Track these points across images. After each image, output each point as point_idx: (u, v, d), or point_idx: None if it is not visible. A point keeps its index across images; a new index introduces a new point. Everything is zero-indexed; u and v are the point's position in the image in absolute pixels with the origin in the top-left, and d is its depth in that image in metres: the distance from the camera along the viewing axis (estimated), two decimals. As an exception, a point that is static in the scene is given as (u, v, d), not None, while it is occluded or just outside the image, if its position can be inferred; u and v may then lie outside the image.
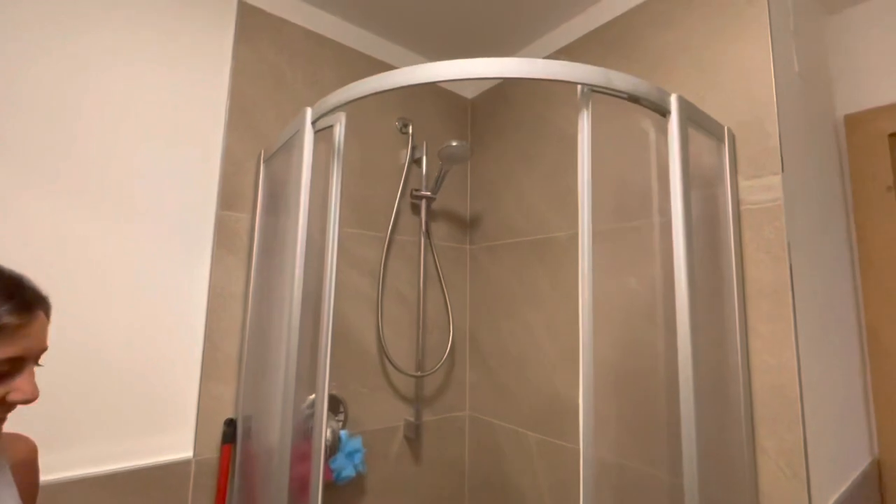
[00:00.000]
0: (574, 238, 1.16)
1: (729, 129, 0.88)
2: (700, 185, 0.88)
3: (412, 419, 1.30)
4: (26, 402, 0.50)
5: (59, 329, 0.83)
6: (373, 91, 0.73)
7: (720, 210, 0.87)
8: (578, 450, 0.78)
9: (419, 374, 1.31)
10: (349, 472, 1.07)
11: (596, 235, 0.78)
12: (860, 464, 0.99)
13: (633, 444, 0.91)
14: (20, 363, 0.49)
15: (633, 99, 0.72)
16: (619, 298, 0.95)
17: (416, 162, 1.41)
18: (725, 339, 0.81)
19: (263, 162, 1.08)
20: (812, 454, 0.73)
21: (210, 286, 1.01)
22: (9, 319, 0.47)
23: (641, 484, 0.90)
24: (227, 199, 1.05)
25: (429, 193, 1.37)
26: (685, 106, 0.74)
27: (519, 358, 1.30)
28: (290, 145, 0.92)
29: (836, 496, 0.80)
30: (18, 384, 0.49)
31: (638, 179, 0.99)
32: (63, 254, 0.86)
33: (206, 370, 0.98)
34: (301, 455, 0.85)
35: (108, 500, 0.85)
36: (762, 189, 0.83)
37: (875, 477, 1.03)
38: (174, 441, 0.93)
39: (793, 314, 0.78)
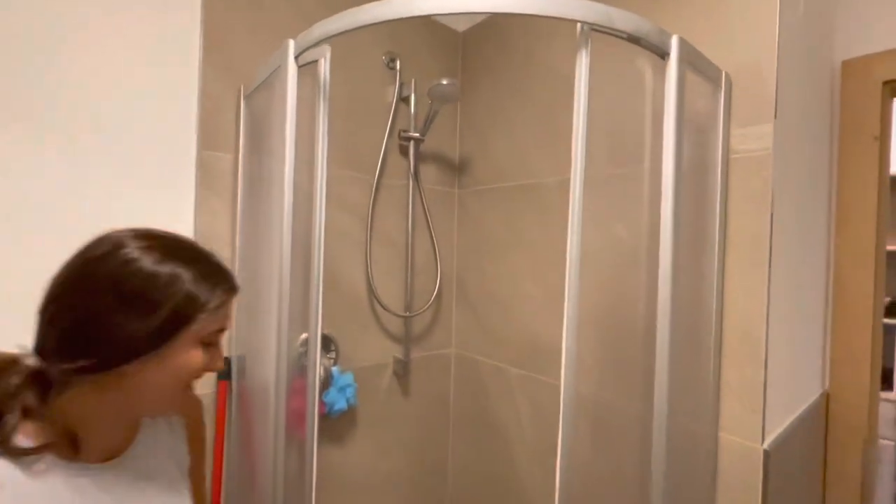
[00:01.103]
0: (563, 184, 1.16)
1: (727, 74, 0.86)
2: (693, 131, 0.87)
3: (401, 356, 1.36)
4: (217, 369, 0.57)
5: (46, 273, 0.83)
6: (362, 24, 0.68)
7: (710, 158, 0.88)
8: (557, 385, 0.83)
9: (407, 314, 1.35)
10: (341, 405, 1.14)
11: (587, 182, 0.78)
12: (811, 395, 1.08)
13: (610, 379, 0.98)
14: (220, 335, 0.56)
15: (633, 40, 0.70)
16: (605, 244, 0.97)
17: (403, 101, 1.36)
18: (704, 284, 0.85)
19: (244, 98, 1.03)
20: (770, 388, 0.80)
21: (196, 229, 0.99)
22: (223, 297, 0.54)
23: (615, 415, 0.98)
24: (208, 138, 1.01)
25: (417, 135, 1.33)
26: (685, 49, 0.72)
27: (504, 300, 1.34)
28: (272, 81, 0.87)
29: (785, 424, 0.88)
30: (217, 354, 0.56)
31: (631, 124, 0.98)
32: (45, 199, 0.83)
33: (198, 311, 0.99)
34: (295, 390, 0.89)
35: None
36: (753, 137, 0.84)
37: (823, 407, 1.14)
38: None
39: (768, 263, 0.82)
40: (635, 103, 0.96)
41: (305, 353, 0.85)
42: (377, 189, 1.30)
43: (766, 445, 0.78)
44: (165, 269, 0.49)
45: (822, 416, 1.14)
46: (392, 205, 1.35)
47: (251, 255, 0.99)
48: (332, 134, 0.87)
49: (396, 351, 1.37)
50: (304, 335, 0.93)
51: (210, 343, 0.54)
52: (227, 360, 1.02)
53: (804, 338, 1.06)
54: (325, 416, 1.14)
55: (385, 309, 1.30)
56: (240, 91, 1.04)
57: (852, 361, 1.15)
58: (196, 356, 0.52)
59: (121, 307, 0.47)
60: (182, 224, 0.98)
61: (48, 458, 0.49)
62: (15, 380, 0.48)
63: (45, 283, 0.50)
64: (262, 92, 0.95)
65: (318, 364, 0.84)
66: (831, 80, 1.13)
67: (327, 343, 1.19)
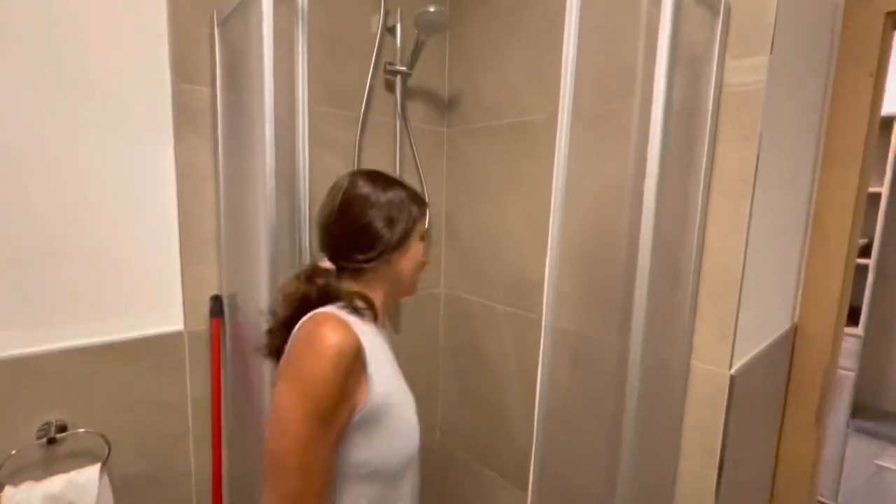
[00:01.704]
0: (554, 121, 1.13)
1: (726, 1, 0.82)
2: (687, 62, 0.85)
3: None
4: (427, 260, 0.80)
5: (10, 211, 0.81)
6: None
7: (702, 91, 0.86)
8: (541, 320, 0.86)
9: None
10: (334, 340, 1.17)
11: (576, 117, 0.77)
12: (781, 328, 1.14)
13: (591, 313, 1.02)
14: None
15: (630, -39, 0.66)
16: (592, 180, 0.97)
17: (389, 31, 1.29)
18: (687, 218, 0.86)
19: (218, 26, 0.97)
20: (741, 320, 0.84)
21: (177, 168, 0.97)
22: (425, 208, 0.79)
23: (593, 347, 1.03)
24: (183, 70, 0.96)
25: (404, 69, 1.27)
26: (684, -28, 0.68)
27: (494, 240, 1.36)
28: (247, 7, 0.82)
29: (753, 353, 0.94)
30: (427, 247, 0.79)
31: (623, 56, 0.94)
32: (9, 141, 0.79)
33: (185, 251, 0.99)
34: (288, 327, 0.92)
35: (111, 367, 0.92)
36: (747, 70, 0.81)
37: (790, 339, 1.21)
38: (163, 316, 0.99)
39: (751, 199, 0.83)
40: (629, 34, 0.92)
41: (296, 292, 0.87)
42: (363, 127, 1.27)
43: (732, 371, 0.83)
44: (393, 195, 0.74)
45: (788, 347, 1.21)
46: (379, 144, 1.32)
47: (236, 194, 0.98)
48: (313, 67, 0.83)
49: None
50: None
51: (423, 239, 0.79)
52: (218, 298, 1.04)
53: (779, 273, 1.10)
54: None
55: (374, 249, 1.31)
56: (213, 18, 0.98)
57: (822, 298, 1.21)
58: (420, 247, 0.78)
59: (377, 221, 0.71)
60: (163, 162, 0.96)
61: (372, 328, 0.71)
62: (331, 276, 0.72)
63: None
64: (237, 19, 0.89)
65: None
66: (833, 12, 1.09)
67: (317, 282, 1.21)
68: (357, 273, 0.73)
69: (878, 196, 2.01)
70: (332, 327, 0.61)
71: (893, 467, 1.96)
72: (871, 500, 2.02)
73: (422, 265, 0.79)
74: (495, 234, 1.35)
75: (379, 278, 0.74)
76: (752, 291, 0.88)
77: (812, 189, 1.19)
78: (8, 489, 0.81)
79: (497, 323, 1.36)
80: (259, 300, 0.85)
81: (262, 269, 0.83)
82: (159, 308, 0.98)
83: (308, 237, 0.82)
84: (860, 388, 2.13)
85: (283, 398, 0.59)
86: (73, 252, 0.88)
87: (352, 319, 0.65)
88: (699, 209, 0.86)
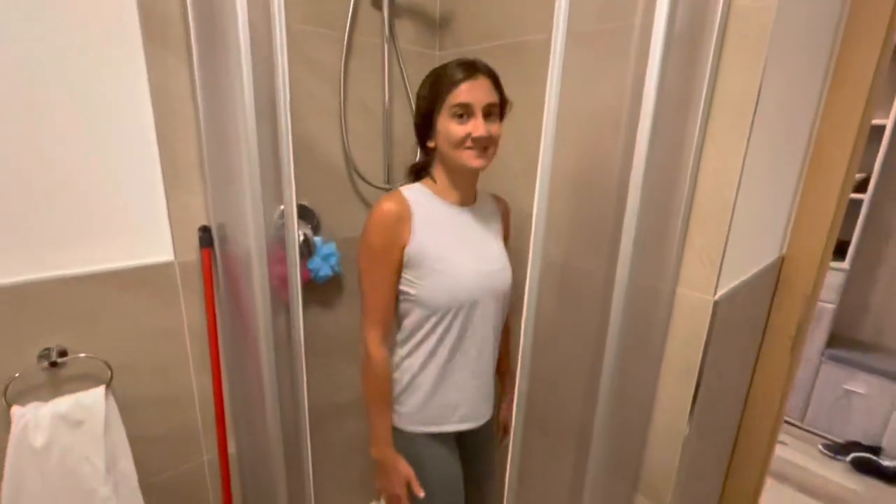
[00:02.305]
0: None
1: None
2: (695, -26, 0.78)
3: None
4: (482, 137, 0.84)
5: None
6: None
7: (709, 8, 0.80)
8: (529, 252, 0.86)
9: (388, 186, 1.34)
10: (326, 271, 1.18)
11: (572, 38, 0.72)
12: (768, 258, 1.16)
13: (579, 244, 1.02)
14: (471, 109, 0.83)
15: None
16: (586, 106, 0.93)
17: (374, -63, 1.17)
18: (684, 143, 0.84)
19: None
20: (730, 247, 0.85)
21: (151, 88, 0.92)
22: (460, 75, 0.83)
23: (581, 277, 1.04)
24: (146, -22, 0.87)
25: (391, -18, 1.17)
26: None
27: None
28: None
29: (738, 281, 0.96)
30: (475, 124, 0.83)
31: (629, -33, 0.87)
32: None
33: (168, 177, 0.97)
34: (279, 258, 0.92)
35: (105, 295, 0.93)
36: (759, -18, 0.75)
37: (777, 269, 1.23)
38: (152, 246, 0.98)
39: (750, 126, 0.80)
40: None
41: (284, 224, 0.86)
42: (348, 48, 1.19)
43: (716, 297, 0.85)
44: (430, 76, 0.88)
45: (773, 277, 1.23)
46: (366, 67, 1.25)
47: (215, 117, 0.94)
48: (290, -25, 0.76)
49: (378, 223, 1.39)
50: (281, 207, 0.93)
51: (463, 116, 0.84)
52: (207, 228, 1.03)
53: (772, 202, 1.09)
54: (310, 282, 1.19)
55: (364, 180, 1.28)
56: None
57: (813, 229, 1.21)
58: (450, 123, 0.84)
59: (416, 104, 0.90)
60: (135, 82, 0.90)
61: (440, 200, 0.92)
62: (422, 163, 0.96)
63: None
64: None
65: (295, 229, 0.86)
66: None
67: (307, 213, 1.20)
68: (426, 153, 0.93)
69: (881, 129, 1.97)
70: (381, 200, 0.88)
71: (860, 391, 2.09)
72: (834, 420, 2.18)
73: (457, 141, 0.84)
74: (488, 166, 1.32)
75: (437, 156, 0.91)
76: (743, 219, 0.88)
77: (816, 116, 1.15)
78: (15, 408, 0.85)
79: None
80: (247, 233, 0.84)
81: (247, 203, 0.81)
82: (148, 238, 0.97)
83: (292, 166, 0.80)
84: (838, 319, 2.21)
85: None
86: (55, 183, 0.85)
87: (412, 192, 0.90)
88: (697, 131, 0.83)
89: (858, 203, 2.03)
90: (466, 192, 0.95)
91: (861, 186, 2.04)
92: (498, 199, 1.05)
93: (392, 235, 0.86)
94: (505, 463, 0.86)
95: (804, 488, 1.91)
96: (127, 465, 0.99)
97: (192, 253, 1.03)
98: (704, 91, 0.82)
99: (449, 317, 0.90)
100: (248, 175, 0.79)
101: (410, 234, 0.87)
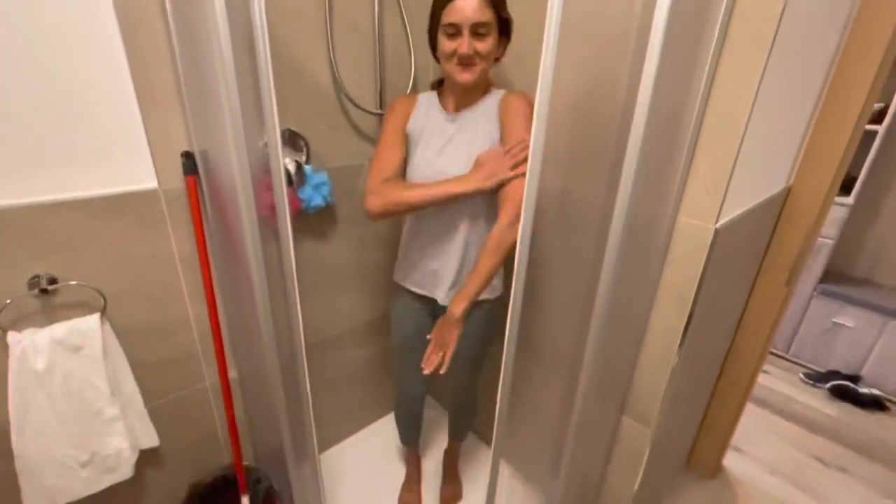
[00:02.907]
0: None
1: None
2: None
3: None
4: (465, 55, 0.91)
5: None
6: None
7: None
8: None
9: (380, 111, 1.27)
10: (318, 201, 1.15)
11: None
12: (775, 188, 1.12)
13: (579, 171, 0.98)
14: (459, 27, 0.90)
15: None
16: (592, 20, 0.85)
17: None
18: (697, 63, 0.77)
19: None
20: (736, 176, 0.81)
21: (117, 10, 0.83)
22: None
23: (579, 206, 1.01)
24: None
25: None
26: None
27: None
28: None
29: (741, 210, 0.93)
30: (461, 41, 0.91)
31: None
32: None
33: (143, 99, 0.90)
34: (267, 186, 0.88)
35: (90, 223, 0.91)
36: None
37: (781, 200, 1.20)
38: (135, 173, 0.94)
39: (772, 41, 0.73)
40: None
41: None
42: (333, -47, 1.07)
43: (718, 225, 0.82)
44: None
45: (777, 208, 1.20)
46: (353, -24, 1.13)
47: (189, 39, 0.86)
48: None
49: (371, 152, 1.33)
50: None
51: (454, 34, 0.91)
52: (190, 154, 0.98)
53: (785, 129, 1.04)
54: (302, 212, 1.16)
55: (355, 105, 1.21)
56: None
57: (822, 161, 1.16)
58: (444, 40, 0.93)
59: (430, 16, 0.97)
60: (99, 4, 0.81)
61: (438, 106, 1.06)
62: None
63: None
64: None
65: (280, 157, 0.81)
66: None
67: (296, 140, 1.14)
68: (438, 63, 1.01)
69: (909, 54, 1.83)
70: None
71: (848, 324, 2.14)
72: (818, 351, 2.25)
73: (445, 56, 0.94)
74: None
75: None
76: (752, 145, 0.83)
77: (840, 39, 1.06)
78: (11, 334, 0.85)
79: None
80: (230, 160, 0.79)
81: (227, 129, 0.76)
82: (129, 165, 0.93)
83: (272, 91, 0.74)
84: (835, 255, 2.21)
85: None
86: (27, 108, 0.80)
87: (424, 95, 1.08)
88: (713, 47, 0.76)
89: (872, 136, 1.95)
90: (459, 101, 1.03)
91: (878, 118, 1.95)
92: (504, 99, 1.01)
93: (397, 115, 1.06)
94: (496, 384, 0.89)
95: (782, 412, 2.01)
96: (131, 388, 1.02)
97: (177, 181, 0.99)
98: (724, 5, 0.74)
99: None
100: (226, 100, 0.73)
101: (412, 120, 1.06)
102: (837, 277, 2.26)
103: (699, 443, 1.64)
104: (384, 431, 1.70)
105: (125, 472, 1.02)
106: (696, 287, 0.88)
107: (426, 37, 1.00)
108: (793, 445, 1.84)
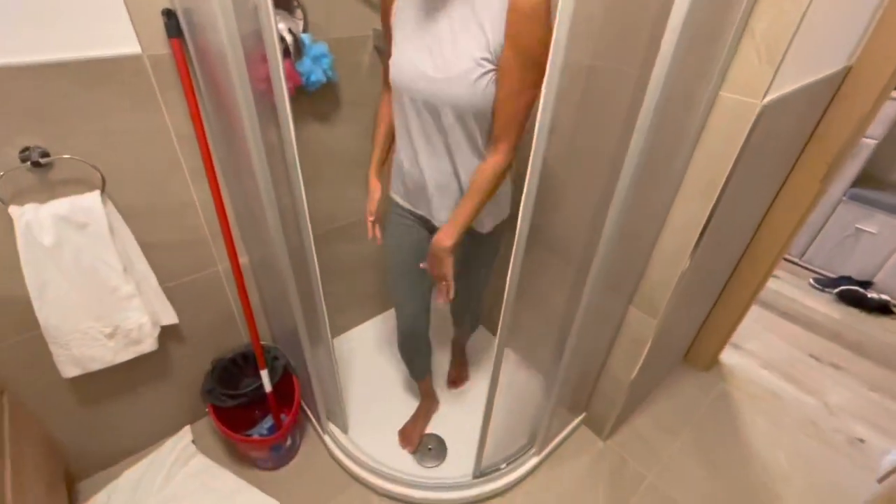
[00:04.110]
0: None
1: None
2: None
3: (381, 28, 1.19)
4: None
5: None
6: None
7: None
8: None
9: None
10: (318, 76, 1.05)
11: None
12: (832, 66, 0.99)
13: (610, 41, 0.86)
14: None
15: None
16: None
17: None
18: None
19: None
20: (796, 42, 0.70)
21: None
22: None
23: (609, 79, 0.91)
24: None
25: None
26: None
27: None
28: None
29: (793, 87, 0.82)
30: None
31: None
32: None
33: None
34: (263, 56, 0.79)
35: (73, 90, 0.84)
36: None
37: (836, 84, 1.06)
38: (112, 32, 0.84)
39: None
40: None
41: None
42: None
43: (765, 101, 0.73)
44: None
45: (832, 89, 1.07)
46: None
47: None
48: None
49: (376, 22, 1.19)
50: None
51: None
52: (172, 13, 0.87)
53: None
54: (302, 88, 1.07)
55: (356, -41, 1.04)
56: None
57: (891, 43, 1.01)
58: None
59: None
60: None
61: None
62: None
63: None
64: None
65: (272, 19, 0.71)
66: None
67: (290, 4, 1.01)
68: None
69: None
70: None
71: (871, 230, 2.07)
72: (833, 258, 2.21)
73: None
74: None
75: None
76: (820, 9, 0.70)
77: None
78: (13, 208, 0.84)
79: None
80: (217, 21, 0.69)
81: None
82: (103, 17, 0.82)
83: None
84: (875, 158, 2.06)
85: None
86: None
87: None
88: None
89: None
90: None
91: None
92: None
93: (386, 6, 0.88)
94: (504, 272, 0.87)
95: (785, 314, 2.04)
96: (143, 267, 1.03)
97: (162, 46, 0.89)
98: None
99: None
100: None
101: (394, 9, 0.86)
102: (870, 181, 2.14)
103: (699, 337, 1.69)
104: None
105: (150, 344, 1.08)
106: (727, 172, 0.82)
107: None
108: (790, 343, 1.89)
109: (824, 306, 2.11)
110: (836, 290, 2.13)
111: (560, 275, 1.18)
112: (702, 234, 0.91)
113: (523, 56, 0.72)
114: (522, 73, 0.73)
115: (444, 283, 0.93)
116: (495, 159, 0.82)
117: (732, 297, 1.53)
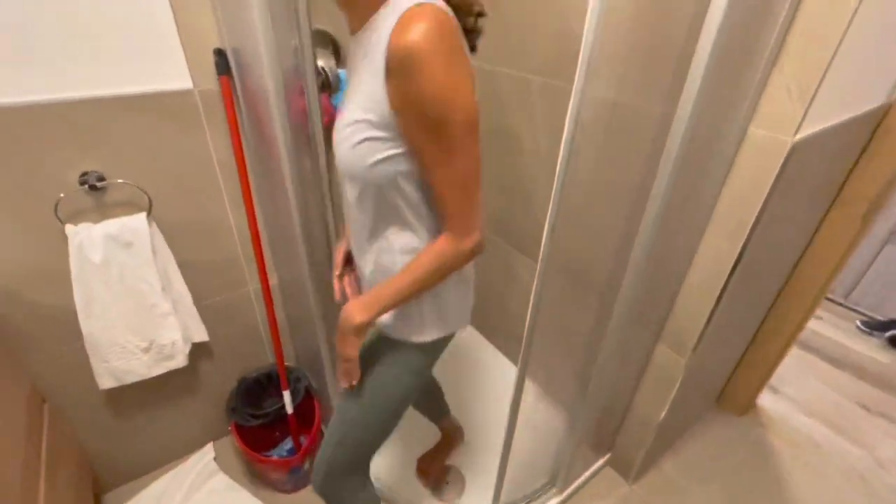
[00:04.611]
0: None
1: None
2: None
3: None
4: None
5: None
6: None
7: None
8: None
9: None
10: (352, 109, 1.10)
11: None
12: (870, 103, 0.97)
13: (635, 80, 0.87)
14: None
15: None
16: None
17: None
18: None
19: None
20: (828, 80, 0.69)
21: None
22: None
23: (633, 118, 0.91)
24: None
25: None
26: None
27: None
28: None
29: (826, 125, 0.81)
30: None
31: None
32: None
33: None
34: (301, 90, 0.84)
35: (131, 121, 0.91)
36: None
37: (875, 121, 1.04)
38: (169, 70, 0.92)
39: None
40: None
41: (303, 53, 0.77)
42: None
43: (796, 138, 0.72)
44: None
45: (870, 127, 1.04)
46: None
47: None
48: None
49: (409, 59, 1.25)
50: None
51: None
52: (222, 52, 0.94)
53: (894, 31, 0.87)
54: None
55: (392, 2, 1.11)
56: None
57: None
58: None
59: None
60: None
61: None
62: None
63: None
64: None
65: (311, 57, 0.76)
66: None
67: (326, 40, 1.08)
68: None
69: None
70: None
71: (923, 272, 1.95)
72: (882, 301, 2.09)
73: None
74: (539, -15, 1.10)
75: None
76: (854, 44, 0.70)
77: None
78: (68, 226, 0.91)
79: (531, 100, 1.23)
80: (260, 61, 0.75)
81: (256, 24, 0.71)
82: (160, 56, 0.91)
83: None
84: (924, 195, 1.96)
85: None
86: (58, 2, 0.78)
87: None
88: None
89: None
90: (352, 17, 0.62)
91: None
92: (398, 23, 0.52)
93: None
94: (523, 297, 0.87)
95: (829, 357, 1.92)
96: (180, 286, 1.09)
97: (211, 81, 0.96)
98: None
99: None
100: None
101: None
102: (921, 220, 2.02)
103: (734, 379, 1.61)
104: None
105: (180, 360, 1.12)
106: (758, 210, 0.80)
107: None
108: (835, 389, 1.77)
109: (873, 351, 1.98)
110: (887, 335, 1.99)
111: (584, 305, 1.17)
112: (732, 271, 0.89)
113: (417, 116, 0.54)
114: (427, 138, 0.55)
115: (345, 363, 0.73)
116: (442, 244, 0.63)
117: (770, 336, 1.46)
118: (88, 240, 0.92)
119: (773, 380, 1.63)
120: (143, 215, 0.96)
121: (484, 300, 1.76)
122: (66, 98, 0.84)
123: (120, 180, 0.94)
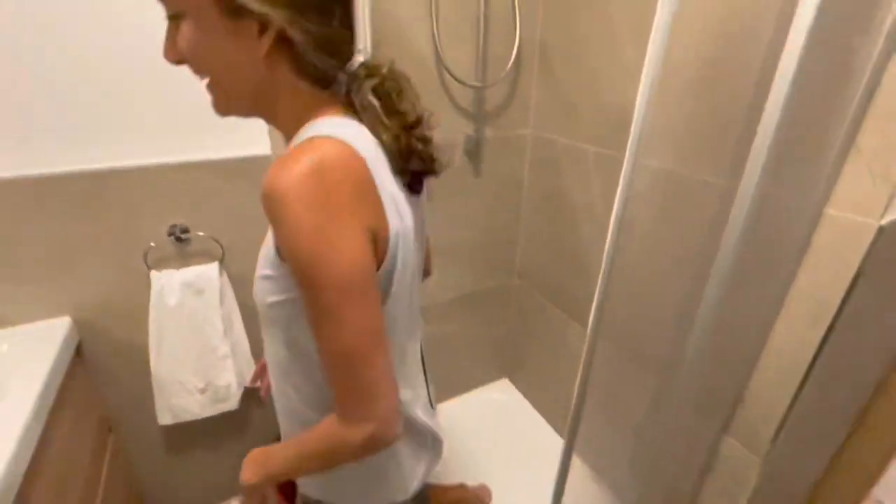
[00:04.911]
0: None
1: None
2: None
3: (472, 133, 1.31)
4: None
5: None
6: None
7: None
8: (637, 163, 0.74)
9: (479, 84, 1.24)
10: (411, 174, 1.16)
11: None
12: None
13: (692, 151, 0.85)
14: None
15: None
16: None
17: None
18: (871, 7, 0.61)
19: None
20: (918, 159, 0.63)
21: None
22: None
23: (691, 189, 0.88)
24: None
25: None
26: None
27: (595, 67, 1.15)
28: None
29: (921, 207, 0.72)
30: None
31: None
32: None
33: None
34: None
35: (214, 182, 1.03)
36: None
37: None
38: (249, 137, 1.03)
39: None
40: None
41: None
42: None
43: (883, 222, 0.65)
44: None
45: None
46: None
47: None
48: None
49: (467, 127, 1.31)
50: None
51: None
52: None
53: None
54: (395, 184, 1.19)
55: (453, 77, 1.19)
56: None
57: None
58: None
59: None
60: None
61: None
62: None
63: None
64: None
65: None
66: None
67: (394, 112, 1.16)
68: None
69: None
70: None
71: None
72: None
73: None
74: (597, 60, 1.13)
75: None
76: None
77: None
78: (153, 272, 1.01)
79: (587, 168, 1.23)
80: None
81: None
82: (249, 134, 1.03)
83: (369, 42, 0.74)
84: None
85: None
86: (152, 79, 0.92)
87: None
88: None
89: None
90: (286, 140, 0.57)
91: None
92: (278, 158, 0.49)
93: None
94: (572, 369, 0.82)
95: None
96: (241, 331, 1.15)
97: (285, 148, 1.07)
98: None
99: None
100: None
101: None
102: None
103: (827, 482, 1.37)
104: (487, 395, 1.73)
105: (232, 403, 1.17)
106: (842, 296, 0.72)
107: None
108: (965, 512, 1.45)
109: None
110: None
111: (638, 383, 1.08)
112: (816, 357, 0.79)
113: (292, 270, 0.47)
114: (304, 295, 0.47)
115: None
116: (329, 427, 0.52)
117: (869, 435, 1.25)
118: (168, 286, 1.02)
119: (878, 490, 1.37)
120: (216, 265, 1.06)
121: (528, 358, 1.69)
122: (165, 162, 0.98)
123: (201, 233, 1.05)
